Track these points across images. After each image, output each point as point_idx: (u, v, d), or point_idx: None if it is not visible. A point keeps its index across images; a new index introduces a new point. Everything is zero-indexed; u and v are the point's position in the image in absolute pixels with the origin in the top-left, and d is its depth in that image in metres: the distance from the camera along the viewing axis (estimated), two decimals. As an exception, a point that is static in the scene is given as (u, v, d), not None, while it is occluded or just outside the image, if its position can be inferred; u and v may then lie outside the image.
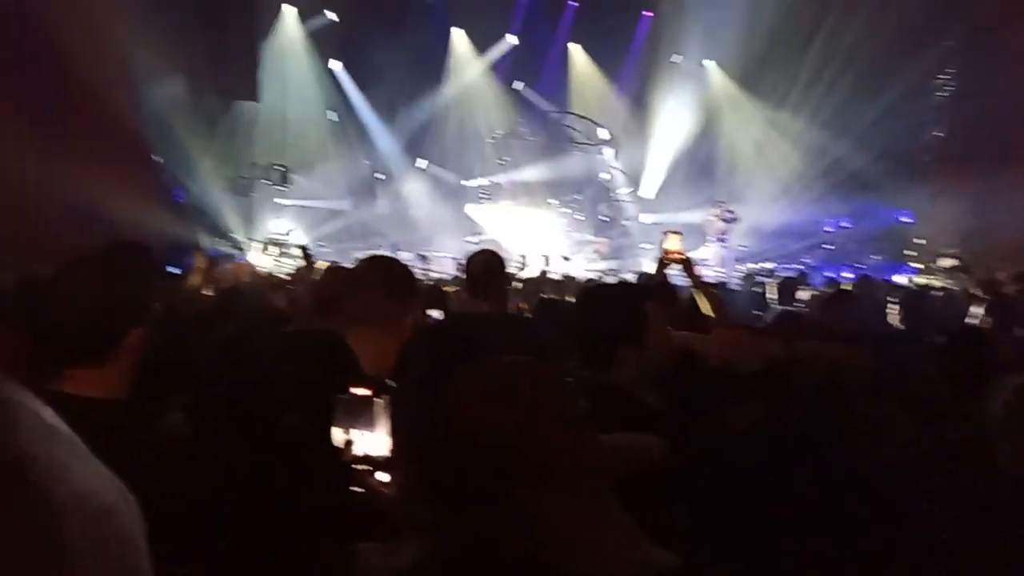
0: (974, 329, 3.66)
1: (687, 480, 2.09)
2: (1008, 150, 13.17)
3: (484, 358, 1.25)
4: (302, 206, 14.36)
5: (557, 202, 15.61)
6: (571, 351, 2.51)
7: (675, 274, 4.16)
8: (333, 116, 15.58)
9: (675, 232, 4.02)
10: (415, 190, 15.79)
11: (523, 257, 10.24)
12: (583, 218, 15.62)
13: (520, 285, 7.11)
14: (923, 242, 13.91)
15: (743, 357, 2.08)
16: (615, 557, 0.99)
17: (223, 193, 12.86)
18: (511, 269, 9.53)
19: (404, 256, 13.14)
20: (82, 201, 8.60)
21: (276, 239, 11.27)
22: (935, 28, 14.22)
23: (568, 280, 8.16)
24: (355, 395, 1.44)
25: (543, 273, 8.06)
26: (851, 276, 9.23)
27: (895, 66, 13.96)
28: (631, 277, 7.32)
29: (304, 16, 15.16)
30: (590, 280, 8.12)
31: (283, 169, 12.45)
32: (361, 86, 15.63)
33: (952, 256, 8.64)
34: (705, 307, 3.64)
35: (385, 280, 2.20)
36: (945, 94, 15.05)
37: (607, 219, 15.52)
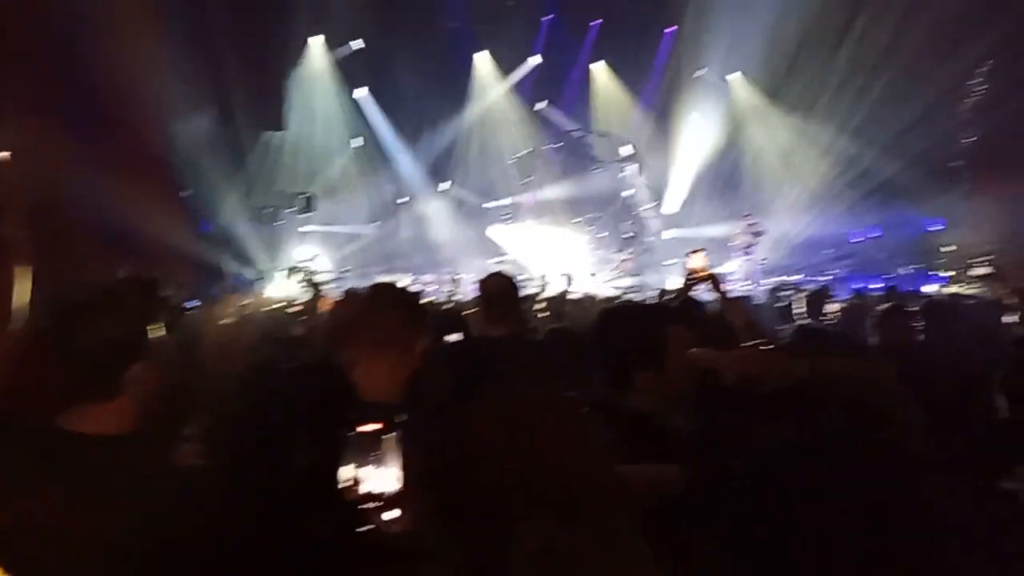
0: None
1: (713, 502, 2.04)
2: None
3: (499, 384, 1.22)
4: (327, 232, 14.53)
5: (580, 220, 15.59)
6: (588, 375, 2.48)
7: (702, 290, 4.12)
8: (358, 142, 15.79)
9: (698, 250, 3.99)
10: (438, 213, 15.90)
11: (544, 278, 10.20)
12: (606, 235, 15.56)
13: (543, 306, 7.07)
14: (953, 249, 13.59)
15: (764, 374, 2.02)
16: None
17: (250, 222, 13.07)
18: (533, 289, 9.55)
19: (426, 279, 13.25)
20: (116, 231, 8.79)
21: (300, 266, 11.38)
22: (966, 33, 13.98)
23: (589, 299, 8.10)
24: (365, 431, 1.43)
25: (564, 293, 8.00)
26: (879, 287, 9.03)
27: (925, 72, 13.73)
28: (654, 294, 7.26)
29: (331, 45, 15.43)
30: (611, 299, 8.05)
31: (308, 196, 12.61)
32: (386, 111, 15.85)
33: (985, 263, 8.40)
34: (735, 322, 3.59)
35: (393, 306, 2.20)
36: (976, 99, 14.76)
37: (631, 235, 15.44)
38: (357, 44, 15.40)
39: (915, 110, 13.83)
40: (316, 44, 15.39)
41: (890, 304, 4.57)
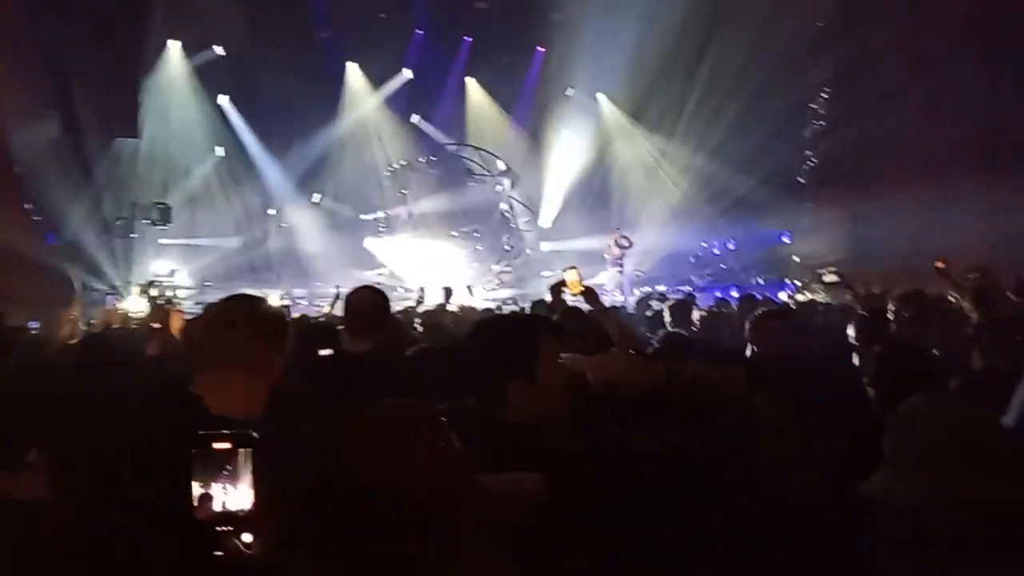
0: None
1: (580, 510, 2.05)
2: (880, 175, 14.20)
3: (359, 400, 1.18)
4: (188, 245, 13.76)
5: (457, 233, 15.64)
6: (461, 389, 2.45)
7: (573, 301, 4.23)
8: (220, 151, 15.09)
9: (572, 268, 4.14)
10: (310, 225, 15.44)
11: (422, 290, 10.12)
12: (483, 248, 15.70)
13: (419, 319, 7.00)
14: (799, 260, 14.76)
15: (626, 379, 2.07)
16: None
17: (102, 234, 12.17)
18: (410, 302, 9.44)
19: (297, 293, 12.83)
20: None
21: (157, 281, 10.71)
22: (810, 62, 15.27)
23: (467, 311, 8.11)
24: (215, 449, 1.34)
25: (442, 305, 7.98)
26: (736, 296, 9.60)
27: (773, 97, 14.84)
28: (528, 306, 7.37)
29: (190, 50, 14.70)
30: (487, 310, 8.10)
31: (165, 207, 11.90)
32: (252, 121, 15.27)
33: (833, 272, 9.17)
34: (611, 333, 3.71)
35: (250, 321, 2.08)
36: (817, 123, 16.10)
37: (508, 248, 15.67)
38: (218, 50, 14.75)
39: (764, 132, 14.92)
40: (174, 49, 14.62)
41: (763, 311, 4.89)
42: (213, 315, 2.16)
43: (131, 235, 11.64)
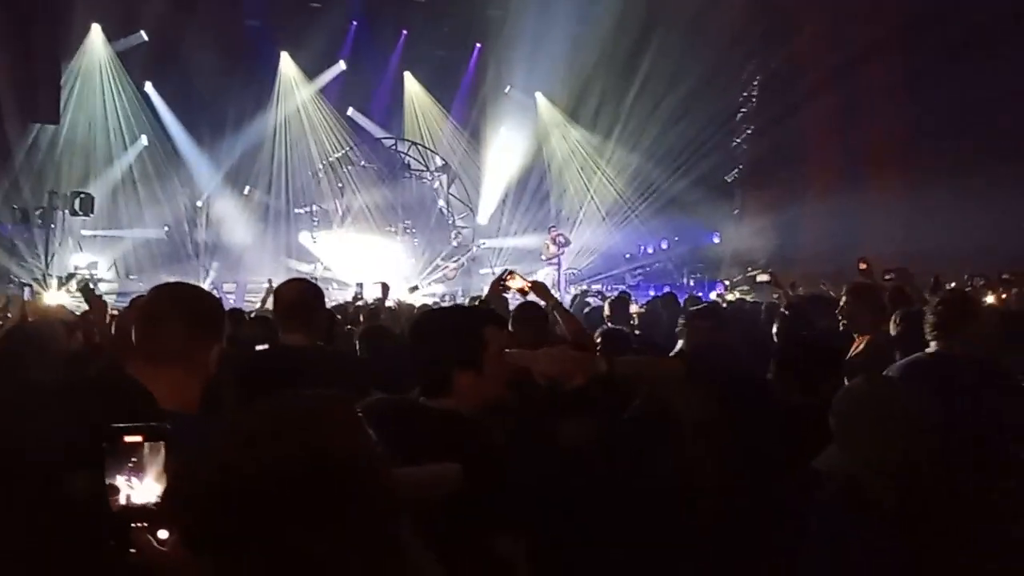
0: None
1: (523, 500, 2.06)
2: (803, 178, 14.75)
3: (276, 392, 1.14)
4: (111, 236, 13.19)
5: (393, 229, 15.47)
6: (401, 381, 2.41)
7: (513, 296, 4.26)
8: (145, 140, 14.51)
9: (510, 273, 4.17)
10: (240, 217, 15.00)
11: (360, 286, 9.98)
12: (420, 244, 15.59)
13: (356, 314, 6.90)
14: (727, 259, 15.22)
15: (568, 372, 2.08)
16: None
17: (18, 224, 11.54)
18: (346, 298, 9.29)
19: (227, 287, 12.46)
20: None
21: (78, 272, 10.22)
22: (739, 66, 15.74)
23: (404, 307, 8.03)
24: (124, 442, 1.30)
25: (379, 300, 7.88)
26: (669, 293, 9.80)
27: (704, 100, 15.24)
28: (466, 302, 7.35)
29: (112, 35, 14.09)
30: (424, 305, 8.05)
31: (86, 196, 11.36)
32: (179, 109, 14.73)
33: (763, 271, 9.50)
34: (564, 325, 3.75)
35: (183, 313, 1.99)
36: (744, 129, 16.62)
37: (448, 244, 15.63)
38: (143, 35, 14.18)
39: (695, 134, 15.32)
40: (96, 32, 13.98)
41: (698, 307, 5.09)
42: (147, 304, 2.06)
43: (51, 225, 11.06)
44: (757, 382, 3.02)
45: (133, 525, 1.26)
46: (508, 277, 4.19)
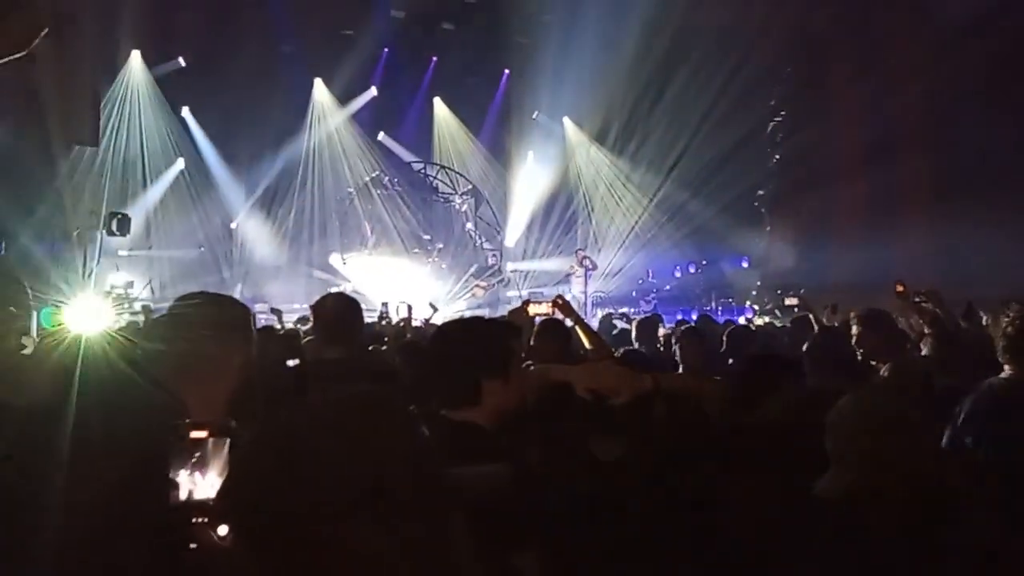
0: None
1: (553, 515, 2.05)
2: (834, 205, 14.64)
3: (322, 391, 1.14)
4: (146, 256, 13.49)
5: (420, 251, 15.61)
6: (432, 391, 2.40)
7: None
8: (181, 164, 14.87)
9: (527, 302, 4.20)
10: (272, 240, 15.26)
11: (385, 306, 10.05)
12: (447, 267, 15.69)
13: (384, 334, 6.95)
14: (757, 284, 15.09)
15: (614, 386, 2.09)
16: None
17: (56, 244, 11.83)
18: (373, 318, 9.35)
19: (258, 308, 12.61)
20: None
21: (115, 291, 10.43)
22: (767, 95, 15.75)
23: (430, 327, 8.09)
24: (190, 438, 1.32)
25: (406, 320, 7.93)
26: (697, 318, 9.74)
27: (732, 125, 15.23)
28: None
29: (153, 60, 14.52)
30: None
31: (124, 217, 11.62)
32: (216, 133, 15.08)
33: (792, 295, 9.41)
34: (588, 342, 3.76)
35: (213, 320, 1.99)
36: (776, 155, 16.57)
37: (474, 267, 15.72)
38: (180, 62, 14.59)
39: (723, 160, 15.29)
40: (135, 58, 14.42)
41: (682, 330, 5.19)
42: (173, 315, 2.06)
43: (88, 245, 11.33)
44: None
45: (194, 520, 1.27)
46: (525, 306, 4.20)
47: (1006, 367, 2.80)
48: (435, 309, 9.96)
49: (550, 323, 3.91)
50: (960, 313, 5.70)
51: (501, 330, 2.28)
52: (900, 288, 5.51)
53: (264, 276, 14.58)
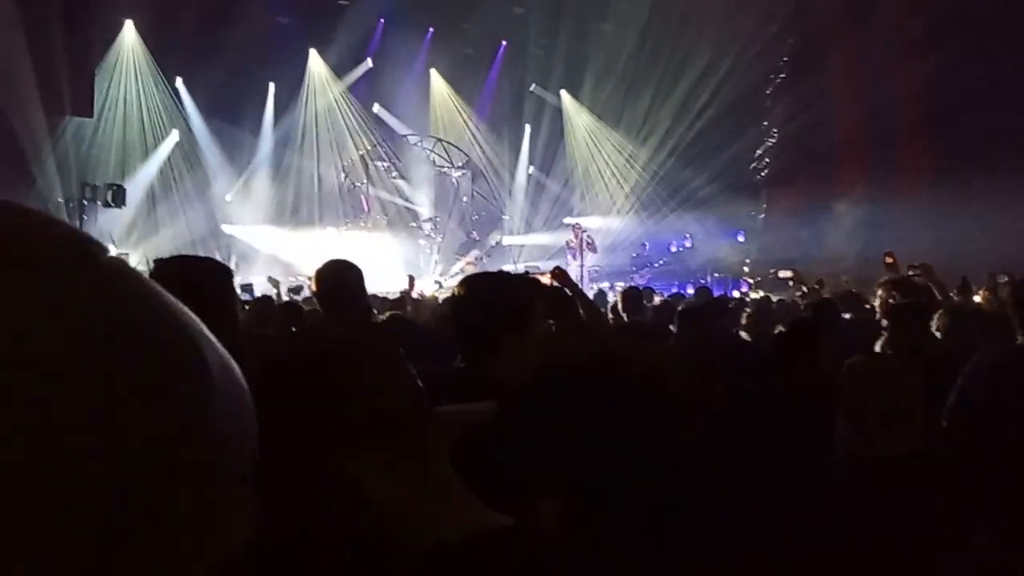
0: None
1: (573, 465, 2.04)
2: (830, 179, 14.64)
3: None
4: (142, 230, 13.43)
5: (416, 224, 15.58)
6: (446, 351, 2.35)
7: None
8: (176, 135, 14.74)
9: (534, 275, 4.18)
10: (268, 211, 15.19)
11: (384, 279, 10.08)
12: (442, 240, 15.68)
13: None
14: (753, 258, 15.13)
15: (562, 350, 2.08)
16: (447, 523, 0.94)
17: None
18: (372, 291, 9.36)
19: (254, 280, 12.59)
20: None
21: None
22: (765, 69, 15.65)
23: (427, 299, 8.10)
24: None
25: (405, 292, 7.95)
26: (693, 292, 9.79)
27: (730, 99, 15.17)
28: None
29: (146, 31, 14.33)
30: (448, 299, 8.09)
31: (118, 188, 11.57)
32: (210, 105, 14.92)
33: (787, 269, 9.45)
34: (584, 311, 3.77)
35: (182, 283, 1.94)
36: (774, 130, 16.52)
37: (474, 239, 15.72)
38: (175, 32, 14.40)
39: (721, 134, 15.24)
40: (129, 29, 14.24)
41: (681, 306, 5.24)
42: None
43: (82, 216, 11.29)
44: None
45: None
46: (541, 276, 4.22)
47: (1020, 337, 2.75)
48: (440, 285, 9.97)
49: (555, 291, 3.93)
50: (956, 288, 5.76)
51: (523, 284, 2.26)
52: (889, 259, 5.56)
53: (257, 249, 14.52)
